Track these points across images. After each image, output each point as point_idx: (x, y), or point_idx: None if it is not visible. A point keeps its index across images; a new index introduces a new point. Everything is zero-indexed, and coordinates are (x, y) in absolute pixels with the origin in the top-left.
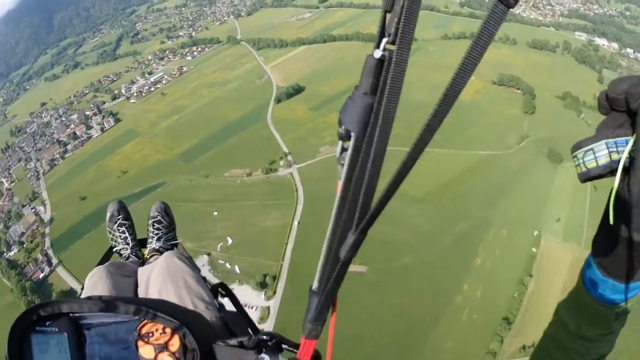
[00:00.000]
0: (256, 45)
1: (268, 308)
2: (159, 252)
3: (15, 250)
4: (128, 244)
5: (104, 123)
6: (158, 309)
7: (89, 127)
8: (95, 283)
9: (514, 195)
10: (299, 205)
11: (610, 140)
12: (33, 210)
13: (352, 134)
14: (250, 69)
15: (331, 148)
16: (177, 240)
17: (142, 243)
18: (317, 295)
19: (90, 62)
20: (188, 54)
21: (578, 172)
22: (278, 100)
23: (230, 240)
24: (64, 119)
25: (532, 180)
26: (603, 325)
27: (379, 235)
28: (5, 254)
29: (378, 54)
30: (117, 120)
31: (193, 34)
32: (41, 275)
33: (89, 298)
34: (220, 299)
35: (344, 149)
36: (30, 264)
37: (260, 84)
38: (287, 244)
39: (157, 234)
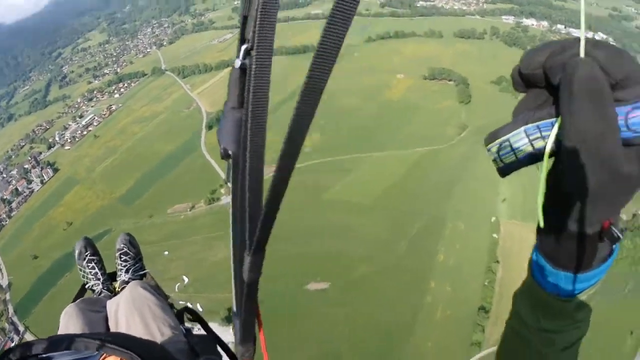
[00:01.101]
0: (181, 74)
1: None
2: (129, 283)
3: None
4: (99, 279)
5: (43, 175)
6: (115, 341)
7: (30, 181)
8: (68, 321)
9: (463, 187)
10: None
11: (530, 125)
12: None
13: (229, 151)
14: (178, 99)
15: (269, 169)
16: (145, 270)
17: (113, 277)
18: (238, 317)
19: (23, 112)
20: (115, 92)
21: (496, 167)
22: (210, 127)
23: (186, 279)
24: (4, 175)
25: (479, 169)
26: (564, 318)
27: (332, 250)
28: None
29: (238, 63)
30: (55, 170)
31: (118, 70)
32: (12, 345)
33: (50, 338)
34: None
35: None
36: None
37: (189, 112)
38: None
39: (125, 266)
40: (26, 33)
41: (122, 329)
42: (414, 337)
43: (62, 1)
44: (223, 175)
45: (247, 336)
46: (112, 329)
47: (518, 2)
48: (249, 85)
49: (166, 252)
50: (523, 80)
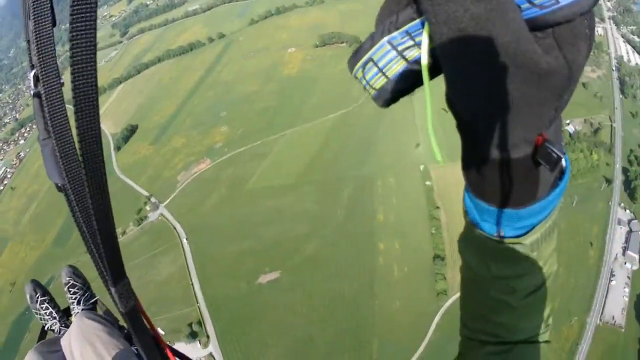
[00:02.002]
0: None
1: (211, 354)
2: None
3: None
4: (55, 317)
5: None
6: None
7: None
8: None
9: (383, 142)
10: (184, 241)
11: (396, 33)
12: None
13: (59, 184)
14: None
15: (187, 173)
16: (94, 297)
17: (68, 312)
18: (138, 345)
19: None
20: (20, 138)
21: (370, 96)
22: (118, 148)
23: None
24: None
25: (393, 120)
26: (516, 262)
27: (271, 237)
28: None
29: (32, 91)
30: None
31: (17, 116)
32: None
33: None
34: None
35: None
36: None
37: None
38: (192, 284)
39: (75, 298)
40: None
41: None
42: (379, 301)
43: None
44: (144, 192)
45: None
46: None
47: None
48: (46, 112)
49: None
50: None
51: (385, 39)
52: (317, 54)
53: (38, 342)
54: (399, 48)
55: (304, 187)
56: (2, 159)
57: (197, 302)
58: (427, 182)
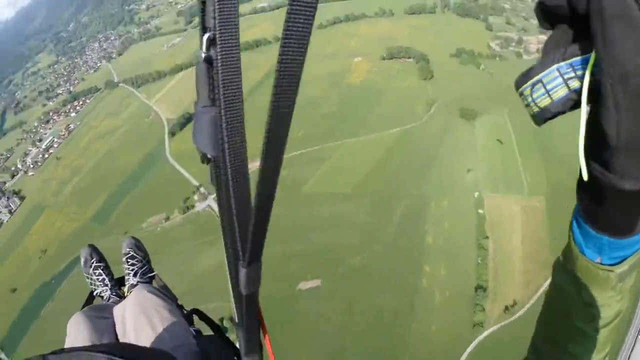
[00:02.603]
0: (135, 84)
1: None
2: (135, 287)
3: None
4: (107, 285)
5: (10, 204)
6: (121, 354)
7: None
8: (76, 330)
9: (441, 164)
10: None
11: (563, 63)
12: None
13: (209, 155)
14: (136, 109)
15: (255, 163)
16: (153, 272)
17: (121, 281)
18: (240, 328)
19: None
20: (71, 111)
21: (530, 113)
22: (172, 134)
23: None
24: None
25: (455, 143)
26: (607, 289)
27: (319, 244)
28: None
29: (202, 55)
30: (22, 198)
31: (71, 88)
32: None
33: (54, 352)
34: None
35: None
36: None
37: (149, 121)
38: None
39: (132, 270)
40: None
41: (131, 334)
42: (416, 323)
43: (4, 28)
44: (194, 182)
45: (252, 347)
46: (120, 335)
47: None
48: (218, 78)
49: None
50: (547, 15)
51: (555, 66)
52: (384, 66)
53: (84, 306)
54: (565, 76)
55: (359, 198)
56: (51, 129)
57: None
58: (480, 211)
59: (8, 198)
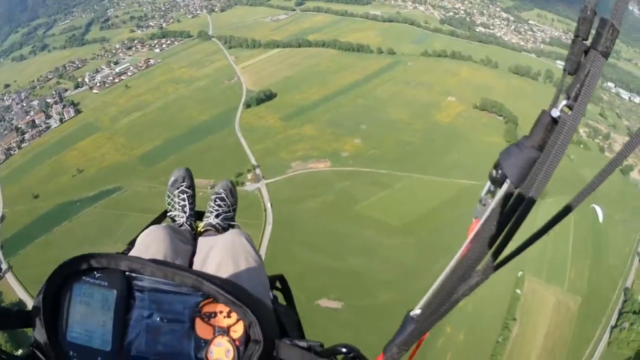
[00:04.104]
0: (228, 44)
1: None
2: (215, 228)
3: None
4: (185, 212)
5: (64, 113)
6: (229, 290)
7: (49, 116)
8: (151, 242)
9: None
10: (268, 227)
11: None
12: None
13: (508, 180)
14: (220, 68)
15: (303, 164)
16: (235, 222)
17: (199, 215)
18: (414, 324)
19: (58, 45)
20: (156, 46)
21: None
22: (247, 105)
23: None
24: (24, 104)
25: None
26: None
27: (354, 266)
28: None
29: (555, 113)
30: (78, 112)
31: (164, 25)
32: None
33: (155, 261)
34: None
35: (490, 190)
36: None
37: (229, 85)
38: None
39: (217, 210)
40: None
41: (209, 270)
42: None
43: None
44: (253, 160)
45: (410, 343)
46: (197, 266)
47: None
48: (557, 138)
49: None
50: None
51: None
52: (474, 114)
53: (154, 222)
54: None
55: (407, 236)
56: (130, 56)
57: None
58: (517, 290)
59: (64, 106)
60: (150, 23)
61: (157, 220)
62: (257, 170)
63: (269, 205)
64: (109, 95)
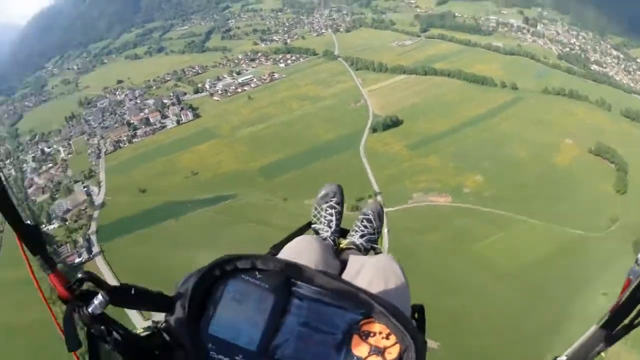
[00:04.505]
0: (354, 65)
1: None
2: (358, 247)
3: (56, 225)
4: (330, 227)
5: (182, 115)
6: (393, 313)
7: (164, 116)
8: (303, 251)
9: (597, 288)
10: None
11: None
12: (85, 189)
13: None
14: (346, 89)
15: (424, 196)
16: (377, 245)
17: (343, 233)
18: None
19: (176, 49)
20: (281, 61)
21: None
22: (373, 130)
23: None
24: (139, 101)
25: (617, 275)
26: None
27: (457, 306)
28: (43, 226)
29: None
30: (197, 116)
31: (288, 40)
32: (76, 260)
33: (325, 273)
34: None
35: None
36: (67, 244)
37: (355, 107)
38: None
39: (362, 231)
40: None
41: None
42: None
43: None
44: (376, 187)
45: None
46: None
47: None
48: None
49: None
50: None
51: None
52: (588, 159)
53: (297, 233)
54: None
55: (518, 282)
56: (254, 67)
57: None
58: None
59: (182, 109)
60: (274, 37)
61: (301, 231)
62: (379, 197)
63: (385, 230)
64: (231, 104)
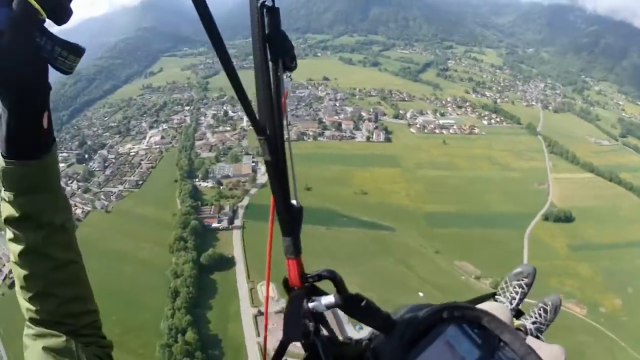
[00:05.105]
0: (550, 147)
1: None
2: (526, 332)
3: (209, 184)
4: (511, 304)
5: (373, 133)
6: None
7: (357, 128)
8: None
9: None
10: None
11: None
12: (254, 163)
13: None
14: (535, 168)
15: (566, 302)
16: (542, 336)
17: (518, 314)
18: None
19: (390, 69)
20: (486, 118)
21: None
22: (545, 218)
23: None
24: (337, 104)
25: None
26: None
27: None
28: (197, 180)
29: None
30: (388, 140)
31: (498, 100)
32: (214, 225)
33: (527, 345)
34: None
35: None
36: (213, 206)
37: (537, 189)
38: None
39: (536, 318)
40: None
41: None
42: None
43: None
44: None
45: None
46: None
47: None
48: None
49: (421, 294)
50: None
51: None
52: None
53: (480, 299)
54: None
55: None
56: (459, 115)
57: None
58: None
59: (377, 127)
60: (486, 93)
61: (483, 299)
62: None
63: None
64: (425, 141)
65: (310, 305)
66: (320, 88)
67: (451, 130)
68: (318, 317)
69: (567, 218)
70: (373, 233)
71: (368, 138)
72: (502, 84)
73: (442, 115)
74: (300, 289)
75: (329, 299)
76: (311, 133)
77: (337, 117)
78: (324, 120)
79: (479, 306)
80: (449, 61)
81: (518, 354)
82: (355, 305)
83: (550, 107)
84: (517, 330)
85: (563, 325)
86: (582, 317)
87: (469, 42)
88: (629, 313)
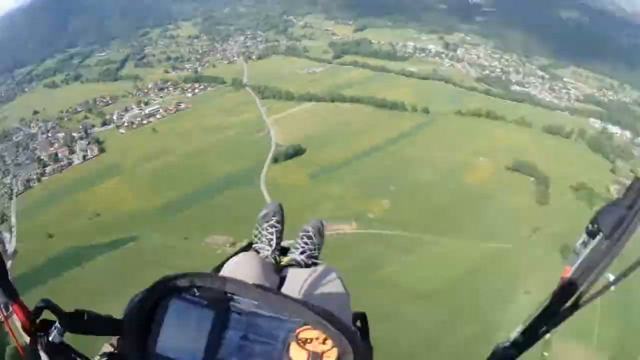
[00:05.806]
0: (261, 93)
1: None
2: (299, 264)
3: None
4: (271, 245)
5: (88, 150)
6: (329, 319)
7: (72, 151)
8: (242, 267)
9: (526, 297)
10: None
11: None
12: None
13: (601, 233)
14: (250, 119)
15: (328, 225)
16: (319, 261)
17: (283, 251)
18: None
19: (92, 77)
20: (189, 90)
21: None
22: (275, 160)
23: None
24: (50, 135)
25: (544, 279)
26: None
27: (374, 333)
28: None
29: None
30: (102, 150)
31: (199, 69)
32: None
33: (260, 286)
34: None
35: (584, 242)
36: None
37: (258, 137)
38: None
39: (303, 248)
40: (122, 1)
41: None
42: None
43: None
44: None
45: None
46: None
47: (606, 107)
48: None
49: None
50: None
51: None
52: (505, 176)
53: (239, 252)
54: None
55: (432, 303)
56: (162, 98)
57: None
58: (545, 353)
59: (89, 143)
60: (186, 65)
61: (242, 251)
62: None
63: None
64: (135, 137)
65: (50, 339)
66: (32, 125)
67: (158, 116)
68: (62, 347)
69: (297, 152)
70: (116, 253)
71: (84, 157)
72: (200, 52)
73: (147, 104)
74: (37, 328)
75: (57, 326)
76: (35, 177)
77: (52, 149)
78: (42, 157)
79: (233, 261)
80: (146, 48)
81: (248, 297)
82: (79, 323)
83: (253, 57)
84: (290, 266)
85: (339, 247)
86: (355, 232)
87: (163, 22)
88: (402, 207)
